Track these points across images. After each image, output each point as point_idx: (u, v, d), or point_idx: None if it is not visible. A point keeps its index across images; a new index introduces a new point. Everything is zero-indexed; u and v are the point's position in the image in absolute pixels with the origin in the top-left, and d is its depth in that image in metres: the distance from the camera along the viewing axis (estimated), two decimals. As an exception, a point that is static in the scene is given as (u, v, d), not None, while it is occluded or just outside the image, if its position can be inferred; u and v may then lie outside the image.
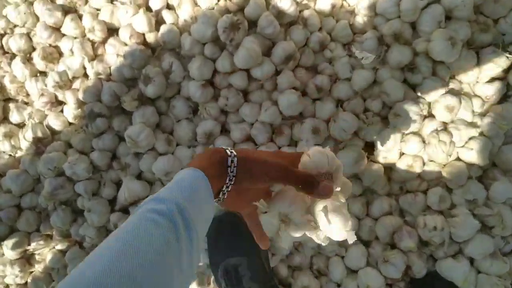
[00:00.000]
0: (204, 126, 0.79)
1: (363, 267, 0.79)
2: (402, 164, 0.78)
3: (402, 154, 0.78)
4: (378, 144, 0.76)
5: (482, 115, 0.78)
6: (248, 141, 0.82)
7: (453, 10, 0.73)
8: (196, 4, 0.79)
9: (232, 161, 0.38)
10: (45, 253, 0.82)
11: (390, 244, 0.80)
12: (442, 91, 0.75)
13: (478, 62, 0.77)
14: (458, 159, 0.78)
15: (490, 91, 0.78)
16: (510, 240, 0.80)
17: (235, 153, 0.39)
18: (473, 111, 0.77)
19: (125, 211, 0.80)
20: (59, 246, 0.82)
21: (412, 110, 0.73)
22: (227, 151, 0.39)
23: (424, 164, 0.78)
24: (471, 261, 0.78)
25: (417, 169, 0.77)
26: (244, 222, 0.50)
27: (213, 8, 0.78)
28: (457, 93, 0.76)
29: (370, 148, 0.80)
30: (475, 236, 0.75)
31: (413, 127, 0.75)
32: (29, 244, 0.82)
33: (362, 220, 0.82)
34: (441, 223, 0.75)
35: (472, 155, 0.75)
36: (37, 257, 0.84)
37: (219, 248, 0.76)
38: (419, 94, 0.77)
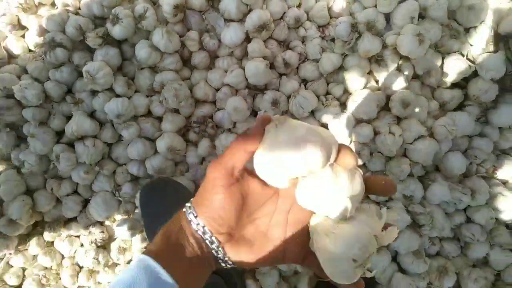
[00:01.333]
0: (164, 76, 0.79)
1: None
2: (351, 152, 0.79)
3: (352, 140, 0.80)
4: (332, 126, 0.78)
5: (436, 118, 0.80)
6: (210, 104, 0.83)
7: (428, 9, 0.74)
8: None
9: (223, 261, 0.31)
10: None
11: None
12: (402, 86, 0.77)
13: (442, 66, 0.79)
14: (405, 155, 0.80)
15: (448, 97, 0.80)
16: (436, 243, 0.84)
17: (227, 259, 0.31)
18: (428, 113, 0.79)
19: (70, 145, 0.79)
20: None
21: (371, 99, 0.75)
22: (219, 256, 0.30)
23: (371, 154, 0.80)
24: (394, 254, 0.81)
25: (364, 158, 0.79)
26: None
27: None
28: (416, 92, 0.78)
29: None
30: (404, 230, 0.78)
31: (369, 116, 0.76)
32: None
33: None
34: (376, 214, 0.78)
35: (418, 153, 0.77)
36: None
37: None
38: (380, 85, 0.79)
